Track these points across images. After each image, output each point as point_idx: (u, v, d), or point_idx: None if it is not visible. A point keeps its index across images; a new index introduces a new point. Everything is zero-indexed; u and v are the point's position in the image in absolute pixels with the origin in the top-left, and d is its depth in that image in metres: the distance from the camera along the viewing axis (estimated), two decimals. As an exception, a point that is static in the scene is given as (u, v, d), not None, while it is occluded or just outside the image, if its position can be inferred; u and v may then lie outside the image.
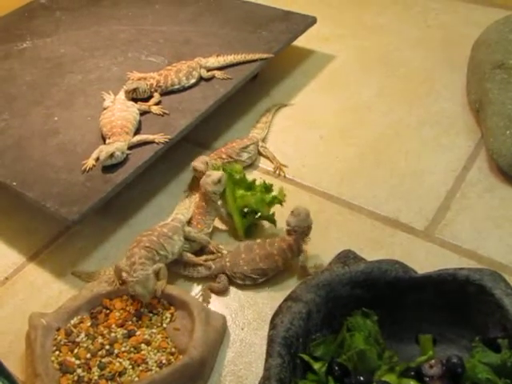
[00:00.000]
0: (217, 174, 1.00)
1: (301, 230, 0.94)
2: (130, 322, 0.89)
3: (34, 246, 1.08)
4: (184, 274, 0.99)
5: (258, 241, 0.99)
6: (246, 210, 1.03)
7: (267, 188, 1.03)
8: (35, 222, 1.11)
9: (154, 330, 0.87)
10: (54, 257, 1.06)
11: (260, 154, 1.21)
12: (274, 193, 1.03)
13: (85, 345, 0.86)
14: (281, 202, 1.02)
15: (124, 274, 0.90)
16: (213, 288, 0.96)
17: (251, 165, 1.19)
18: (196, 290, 0.97)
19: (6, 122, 1.19)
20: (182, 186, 1.15)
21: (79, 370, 0.83)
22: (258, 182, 1.05)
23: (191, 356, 0.81)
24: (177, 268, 0.99)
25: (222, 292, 0.96)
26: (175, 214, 1.05)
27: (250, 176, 1.13)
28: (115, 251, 1.04)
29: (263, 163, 1.21)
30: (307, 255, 0.97)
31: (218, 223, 1.07)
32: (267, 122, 1.26)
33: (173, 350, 0.85)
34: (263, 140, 1.23)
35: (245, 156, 1.17)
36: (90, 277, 0.99)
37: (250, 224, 1.04)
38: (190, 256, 0.98)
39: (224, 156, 1.14)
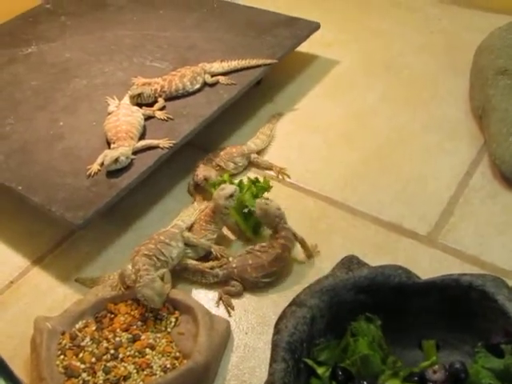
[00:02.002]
0: (230, 189, 1.01)
1: (279, 220, 0.98)
2: (135, 327, 0.89)
3: (38, 250, 1.09)
4: (193, 281, 0.99)
5: (257, 247, 0.99)
6: (245, 210, 1.03)
7: (254, 182, 1.05)
8: (40, 226, 1.12)
9: (158, 335, 0.88)
10: (58, 261, 1.06)
11: (256, 165, 1.21)
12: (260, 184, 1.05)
13: (90, 349, 0.87)
14: (266, 189, 1.04)
15: (131, 282, 0.91)
16: (229, 292, 0.97)
17: (254, 170, 1.21)
18: (200, 294, 0.98)
19: (11, 127, 1.20)
20: (186, 191, 1.16)
21: (84, 375, 0.84)
22: (245, 181, 1.06)
23: (196, 360, 0.82)
24: (186, 274, 0.99)
25: (238, 295, 0.97)
26: (177, 220, 1.06)
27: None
28: (120, 256, 1.04)
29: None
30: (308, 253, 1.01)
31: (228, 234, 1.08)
32: (270, 136, 1.26)
33: (177, 354, 0.86)
34: (259, 153, 1.22)
35: (231, 166, 1.17)
36: (94, 282, 0.99)
37: (255, 223, 1.04)
38: (194, 264, 0.99)
39: (211, 164, 1.16)
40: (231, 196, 1.00)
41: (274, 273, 0.97)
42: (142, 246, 0.95)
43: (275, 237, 0.98)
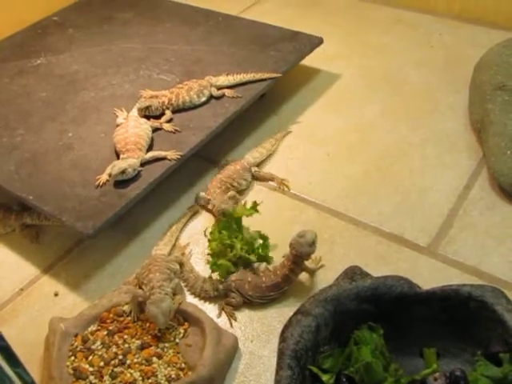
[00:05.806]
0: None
1: (301, 255, 0.96)
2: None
3: (48, 259, 1.11)
4: (192, 293, 1.01)
5: (263, 268, 1.01)
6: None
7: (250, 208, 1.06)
8: (49, 234, 1.15)
9: (166, 344, 0.90)
10: (67, 269, 1.09)
11: (256, 178, 1.23)
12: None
13: (99, 353, 0.89)
14: (253, 212, 1.05)
15: (144, 299, 0.93)
16: (230, 304, 0.98)
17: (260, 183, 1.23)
18: (208, 306, 1.00)
19: (21, 137, 1.23)
20: (192, 201, 1.18)
21: (91, 377, 0.86)
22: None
23: (199, 374, 0.83)
24: (186, 287, 1.02)
25: (239, 306, 0.98)
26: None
27: (258, 193, 1.18)
28: (127, 264, 1.07)
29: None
30: (311, 268, 1.01)
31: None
32: (270, 150, 1.28)
33: (183, 365, 0.87)
34: (258, 165, 1.24)
35: (243, 183, 1.20)
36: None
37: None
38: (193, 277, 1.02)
39: (224, 186, 1.17)
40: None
41: (269, 297, 0.98)
42: (150, 266, 0.97)
43: (285, 264, 0.98)
